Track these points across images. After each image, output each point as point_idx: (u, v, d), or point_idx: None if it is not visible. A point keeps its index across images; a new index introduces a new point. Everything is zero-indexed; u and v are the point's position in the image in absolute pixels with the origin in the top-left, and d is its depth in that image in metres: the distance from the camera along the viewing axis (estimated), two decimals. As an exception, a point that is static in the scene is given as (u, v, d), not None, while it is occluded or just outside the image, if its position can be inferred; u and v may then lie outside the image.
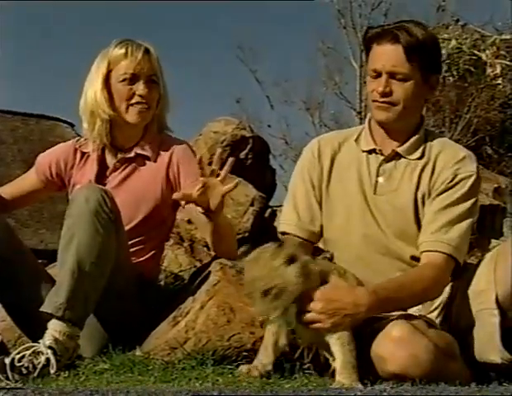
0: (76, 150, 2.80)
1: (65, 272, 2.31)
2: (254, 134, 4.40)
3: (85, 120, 2.73)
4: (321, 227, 2.40)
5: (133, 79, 2.67)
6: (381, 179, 2.34)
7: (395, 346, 2.02)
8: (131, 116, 2.68)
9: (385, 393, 1.82)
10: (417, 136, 2.34)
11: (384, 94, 2.28)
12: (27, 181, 2.84)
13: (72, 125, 12.35)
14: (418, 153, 2.32)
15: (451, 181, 2.27)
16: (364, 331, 2.17)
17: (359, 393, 1.82)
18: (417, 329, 2.06)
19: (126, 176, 2.72)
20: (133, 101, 2.67)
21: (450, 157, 2.30)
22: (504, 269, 2.13)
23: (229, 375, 2.13)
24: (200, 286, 2.54)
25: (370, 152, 2.37)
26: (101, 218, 2.35)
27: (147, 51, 2.70)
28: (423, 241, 2.26)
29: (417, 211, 2.30)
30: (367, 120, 2.45)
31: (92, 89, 2.69)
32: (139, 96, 2.66)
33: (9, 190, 2.81)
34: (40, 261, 2.81)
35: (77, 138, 2.86)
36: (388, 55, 2.27)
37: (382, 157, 2.35)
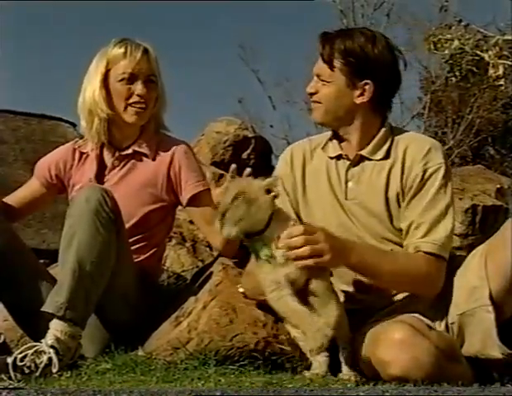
0: (75, 151, 2.82)
1: (66, 272, 2.32)
2: (256, 134, 4.41)
3: (83, 119, 2.75)
4: None
5: (131, 79, 2.68)
6: (350, 184, 2.36)
7: (397, 349, 2.02)
8: (129, 116, 2.69)
9: (387, 393, 1.82)
10: (378, 136, 2.36)
11: (309, 94, 2.40)
12: (29, 188, 2.85)
13: (74, 125, 12.33)
14: (382, 153, 2.35)
15: (422, 179, 2.29)
16: (360, 332, 2.17)
17: (362, 394, 1.82)
18: (418, 331, 2.06)
19: (125, 174, 2.74)
20: (131, 100, 2.69)
21: (417, 152, 2.31)
22: (495, 264, 2.14)
23: (232, 375, 2.13)
24: (202, 286, 2.55)
25: (338, 158, 2.40)
26: (101, 217, 2.36)
27: (146, 51, 2.71)
28: (410, 243, 2.26)
29: (390, 211, 2.31)
30: None
31: (91, 88, 2.70)
32: (138, 95, 2.68)
33: (13, 200, 2.80)
34: (42, 261, 2.82)
35: (75, 139, 2.87)
36: (318, 60, 2.39)
37: (349, 162, 2.37)
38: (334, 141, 2.42)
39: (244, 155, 4.21)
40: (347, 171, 2.37)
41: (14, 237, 2.59)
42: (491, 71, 8.85)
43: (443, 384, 1.97)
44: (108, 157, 2.77)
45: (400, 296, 2.31)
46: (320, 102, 2.37)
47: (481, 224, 3.67)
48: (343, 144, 2.41)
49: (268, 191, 2.06)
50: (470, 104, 10.69)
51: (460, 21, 9.35)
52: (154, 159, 2.74)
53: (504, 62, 8.78)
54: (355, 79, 2.32)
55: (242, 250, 2.56)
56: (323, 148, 2.44)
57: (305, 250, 2.03)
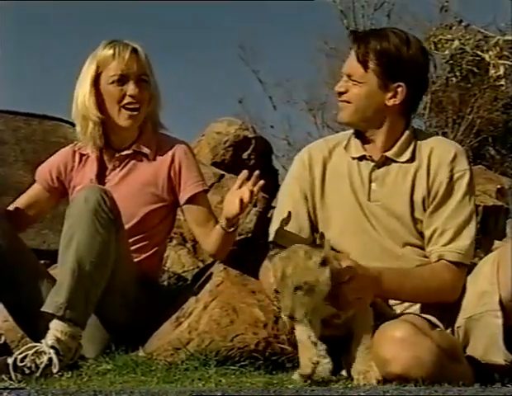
0: (74, 153, 2.82)
1: (65, 272, 2.32)
2: (257, 134, 4.39)
3: (78, 124, 2.74)
4: (310, 236, 2.40)
5: (122, 80, 2.67)
6: (374, 185, 2.34)
7: (398, 347, 2.01)
8: (123, 120, 2.68)
9: (388, 394, 1.82)
10: (403, 138, 2.35)
11: (339, 93, 2.36)
12: (32, 193, 2.83)
13: (74, 126, 12.29)
14: (408, 154, 2.33)
15: (448, 185, 2.28)
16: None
17: (362, 394, 1.82)
18: (420, 330, 2.06)
19: (126, 174, 2.74)
20: (124, 101, 2.67)
21: (442, 157, 2.30)
22: (507, 270, 2.13)
23: (233, 376, 2.13)
24: (203, 287, 2.54)
25: (360, 158, 2.38)
26: (100, 217, 2.36)
27: (134, 51, 2.70)
28: (434, 250, 2.26)
29: (414, 215, 2.30)
30: None
31: (82, 93, 2.69)
32: (130, 96, 2.67)
33: (17, 208, 2.78)
34: (42, 261, 2.82)
35: (75, 141, 2.86)
36: (349, 59, 2.37)
37: (373, 164, 2.35)
38: (357, 141, 2.40)
39: (245, 155, 4.19)
40: (371, 172, 2.35)
41: (14, 237, 2.58)
42: (492, 71, 8.84)
43: (444, 384, 1.97)
44: (108, 158, 2.77)
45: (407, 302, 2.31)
46: (349, 102, 2.34)
47: (482, 225, 3.68)
48: (366, 145, 2.38)
49: (324, 260, 1.99)
50: (470, 104, 10.67)
51: (460, 21, 9.35)
52: (154, 159, 2.73)
53: (505, 62, 8.78)
54: (388, 81, 2.30)
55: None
56: (345, 147, 2.42)
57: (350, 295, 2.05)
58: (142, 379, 2.12)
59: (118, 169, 2.74)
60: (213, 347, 2.27)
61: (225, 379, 2.09)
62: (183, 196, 2.71)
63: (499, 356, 2.12)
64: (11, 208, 2.77)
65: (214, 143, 4.15)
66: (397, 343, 2.02)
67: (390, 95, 2.31)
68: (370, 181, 2.34)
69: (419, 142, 2.35)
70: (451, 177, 2.28)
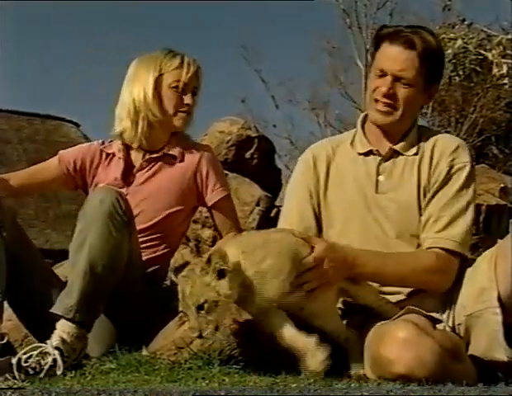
0: (102, 151, 2.88)
1: (77, 274, 2.32)
2: (260, 133, 4.40)
3: (126, 119, 2.81)
4: (317, 235, 2.40)
5: (184, 89, 2.81)
6: (381, 177, 2.36)
7: (401, 347, 2.02)
8: (178, 121, 2.83)
9: (392, 393, 1.82)
10: (412, 133, 2.37)
11: (387, 95, 2.31)
12: (48, 166, 2.89)
13: (77, 125, 12.29)
14: (414, 149, 2.35)
15: (447, 174, 2.29)
16: (366, 330, 2.17)
17: (366, 393, 1.82)
18: (422, 330, 2.06)
19: (152, 175, 2.81)
20: (182, 108, 2.81)
21: (444, 148, 2.32)
22: (505, 267, 2.13)
23: (236, 375, 2.13)
24: (206, 286, 2.54)
25: (367, 154, 2.39)
26: (114, 220, 2.37)
27: (199, 67, 2.86)
28: (427, 237, 2.27)
29: (420, 206, 2.32)
30: (358, 122, 2.48)
31: (141, 90, 2.79)
32: (187, 104, 2.81)
33: (27, 174, 2.88)
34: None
35: (100, 140, 2.94)
36: (398, 58, 2.30)
37: (380, 157, 2.37)
38: (362, 136, 2.42)
39: (247, 155, 4.20)
40: (378, 165, 2.36)
41: (24, 236, 2.60)
42: (495, 70, 8.85)
43: (448, 384, 1.97)
44: (136, 159, 2.84)
45: (406, 293, 2.31)
46: (396, 106, 2.32)
47: (485, 224, 3.68)
48: (371, 140, 2.40)
49: (220, 272, 1.98)
50: (473, 103, 10.68)
51: (463, 20, 9.36)
52: (181, 161, 2.82)
53: (508, 61, 8.79)
54: (431, 83, 2.34)
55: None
56: (351, 143, 2.43)
57: (315, 282, 2.07)
58: (145, 379, 2.12)
59: (145, 169, 2.82)
60: (216, 347, 2.27)
61: (228, 378, 2.09)
62: (212, 198, 2.81)
63: (501, 353, 2.12)
64: (22, 173, 2.87)
65: (216, 143, 4.16)
66: (400, 344, 2.02)
67: (427, 96, 2.35)
68: (378, 174, 2.36)
69: (424, 136, 2.38)
70: (451, 167, 2.30)
